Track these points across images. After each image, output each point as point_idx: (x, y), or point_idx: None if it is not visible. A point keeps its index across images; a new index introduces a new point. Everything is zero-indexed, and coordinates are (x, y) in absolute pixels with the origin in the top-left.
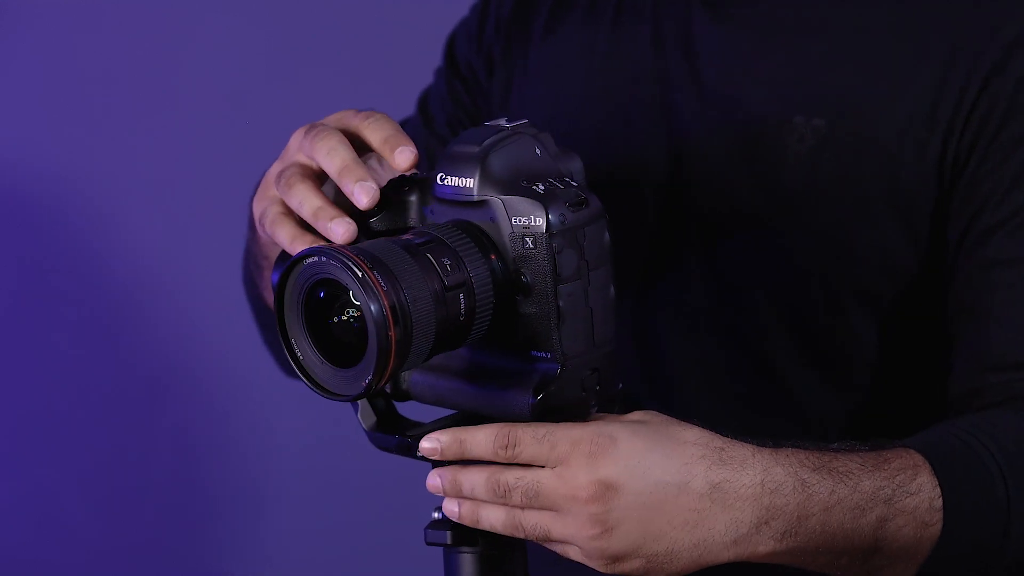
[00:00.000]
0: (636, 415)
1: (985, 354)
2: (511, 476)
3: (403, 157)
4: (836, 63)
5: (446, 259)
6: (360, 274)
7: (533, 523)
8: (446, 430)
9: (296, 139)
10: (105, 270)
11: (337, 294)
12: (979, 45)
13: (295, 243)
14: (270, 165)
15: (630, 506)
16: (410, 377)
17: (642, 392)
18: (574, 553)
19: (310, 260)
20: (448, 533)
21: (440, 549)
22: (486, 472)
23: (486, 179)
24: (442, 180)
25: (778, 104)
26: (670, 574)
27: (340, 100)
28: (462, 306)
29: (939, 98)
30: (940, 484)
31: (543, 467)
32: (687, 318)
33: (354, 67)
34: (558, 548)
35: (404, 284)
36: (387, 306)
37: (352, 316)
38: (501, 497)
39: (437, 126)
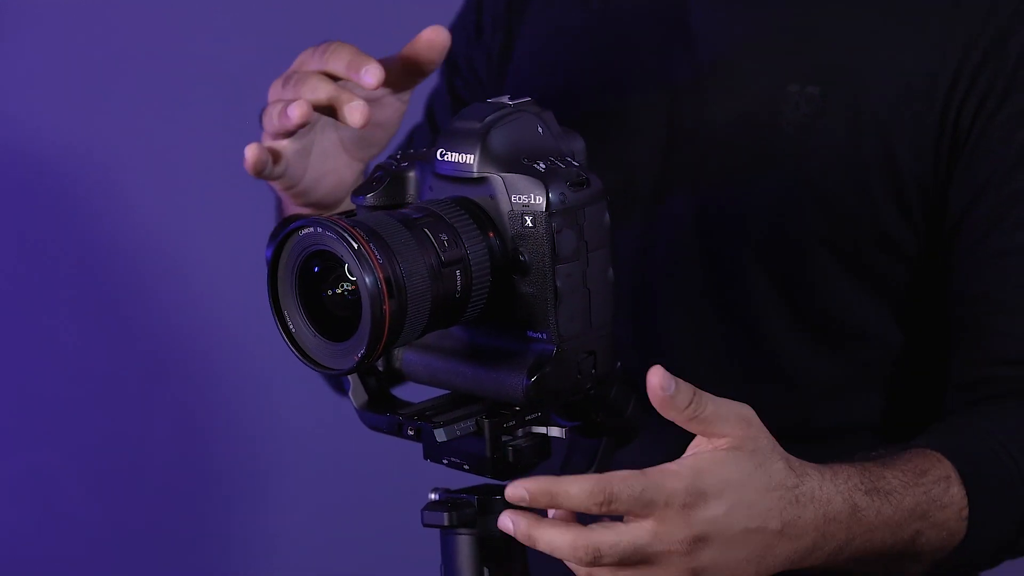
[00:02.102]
0: (734, 436)
1: (994, 345)
2: (604, 544)
3: (369, 75)
4: (832, 31)
5: (444, 235)
6: (356, 246)
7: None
8: (536, 479)
9: (275, 92)
10: (105, 258)
11: (332, 266)
12: (979, 18)
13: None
14: None
15: (717, 553)
16: (403, 355)
17: (639, 367)
18: None
19: (305, 231)
20: (445, 514)
21: (437, 531)
22: (570, 536)
23: (486, 156)
24: (442, 156)
25: (773, 72)
26: None
27: None
28: (458, 283)
29: (937, 70)
30: (968, 494)
31: (632, 523)
32: (683, 294)
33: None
34: None
35: (400, 258)
36: (382, 279)
37: (347, 289)
38: (589, 560)
39: (443, 126)
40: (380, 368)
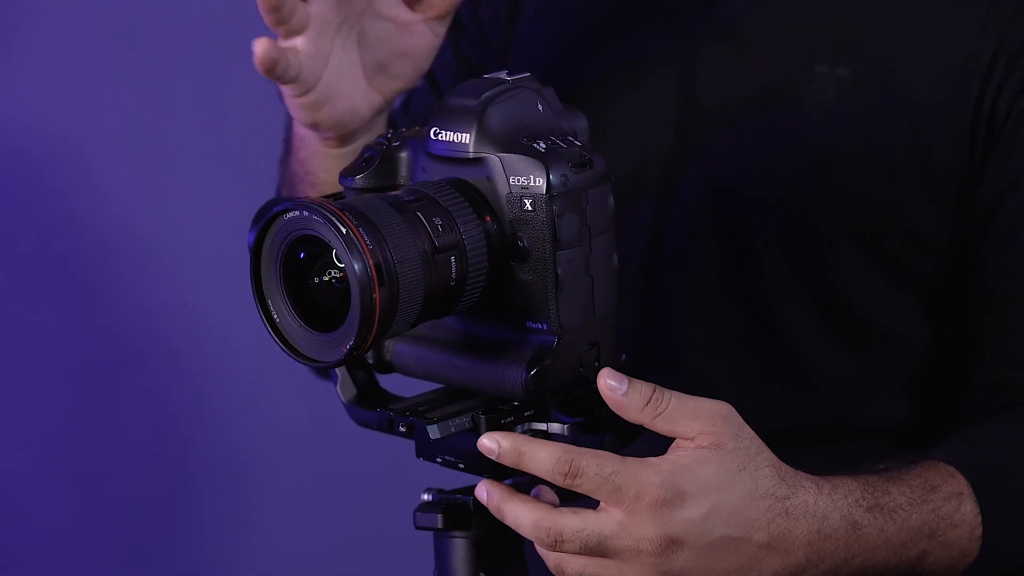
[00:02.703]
0: (709, 433)
1: (1019, 348)
2: (568, 528)
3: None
4: (867, 10)
5: (437, 219)
6: (344, 230)
7: (580, 567)
8: (509, 435)
9: None
10: (79, 247)
11: (319, 252)
12: (1018, 1)
13: None
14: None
15: (692, 558)
16: (394, 347)
17: (647, 360)
18: None
19: (291, 215)
20: (439, 516)
21: (430, 533)
22: (535, 514)
23: (483, 135)
24: (436, 135)
25: (799, 52)
26: None
27: None
28: (453, 270)
29: (973, 55)
30: (982, 512)
31: (602, 512)
32: (696, 282)
33: None
34: None
35: (391, 243)
36: (372, 265)
37: (334, 277)
38: (550, 543)
39: (447, 89)
40: (370, 360)
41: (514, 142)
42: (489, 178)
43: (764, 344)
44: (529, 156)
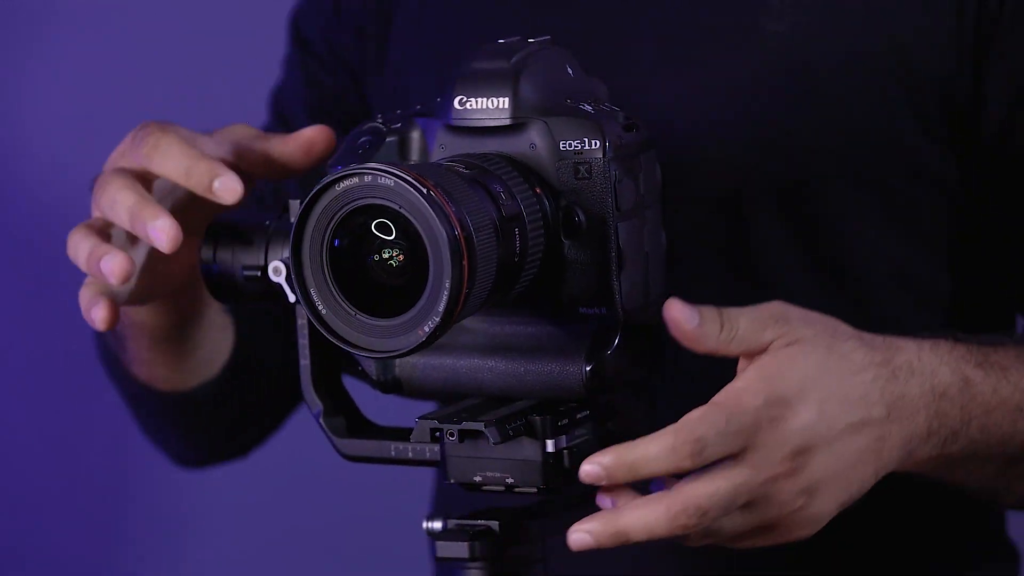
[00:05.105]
0: (782, 335)
1: None
2: (702, 497)
3: (226, 190)
4: None
5: (497, 186)
6: (425, 191)
7: (733, 527)
8: (608, 450)
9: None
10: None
11: (366, 230)
12: None
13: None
14: None
15: (825, 461)
16: (403, 359)
17: None
18: (762, 538)
19: (346, 183)
20: (466, 545)
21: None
22: (659, 507)
23: (523, 98)
24: (462, 103)
25: None
26: (852, 499)
27: None
28: (517, 244)
29: None
30: None
31: (718, 464)
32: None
33: None
34: (747, 543)
35: (466, 208)
36: (460, 230)
37: (392, 255)
38: (695, 521)
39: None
40: (373, 377)
41: (559, 104)
42: (533, 146)
43: (750, 292)
44: (580, 118)
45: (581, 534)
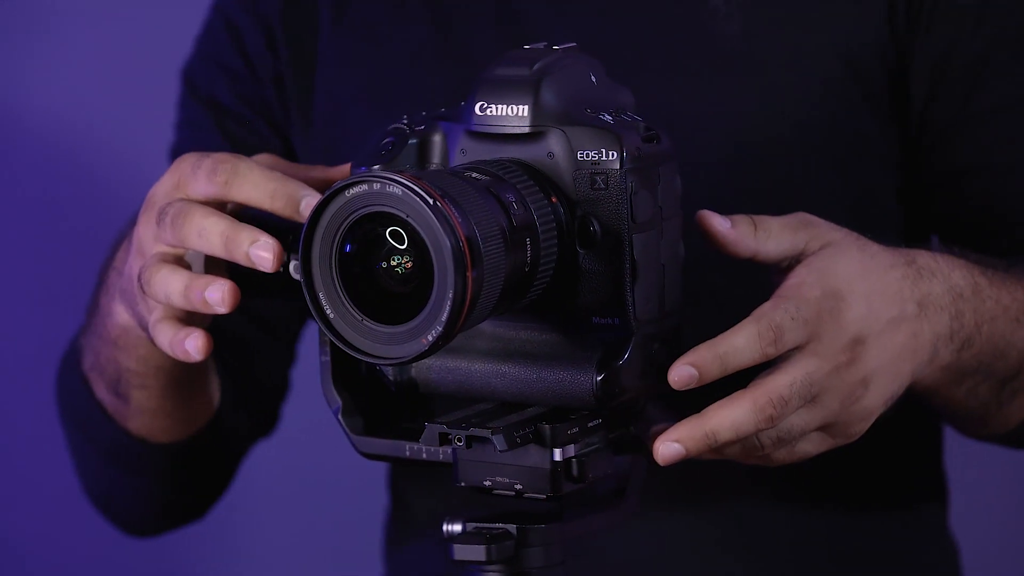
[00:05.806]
0: (815, 237)
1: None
2: (783, 386)
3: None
4: None
5: (509, 195)
6: (432, 201)
7: (803, 423)
8: (696, 350)
9: (147, 230)
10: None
11: (376, 236)
12: None
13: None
14: None
15: (877, 352)
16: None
17: None
18: (819, 441)
19: (355, 190)
20: (483, 548)
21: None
22: (747, 401)
23: (543, 106)
24: (483, 109)
25: None
26: (895, 396)
27: None
28: (528, 253)
29: None
30: None
31: (788, 357)
32: None
33: None
34: (798, 448)
35: (474, 218)
36: (464, 240)
37: (400, 263)
38: (778, 412)
39: None
40: (390, 378)
41: (578, 113)
42: (551, 154)
43: (717, 272)
44: (598, 128)
45: (670, 443)
